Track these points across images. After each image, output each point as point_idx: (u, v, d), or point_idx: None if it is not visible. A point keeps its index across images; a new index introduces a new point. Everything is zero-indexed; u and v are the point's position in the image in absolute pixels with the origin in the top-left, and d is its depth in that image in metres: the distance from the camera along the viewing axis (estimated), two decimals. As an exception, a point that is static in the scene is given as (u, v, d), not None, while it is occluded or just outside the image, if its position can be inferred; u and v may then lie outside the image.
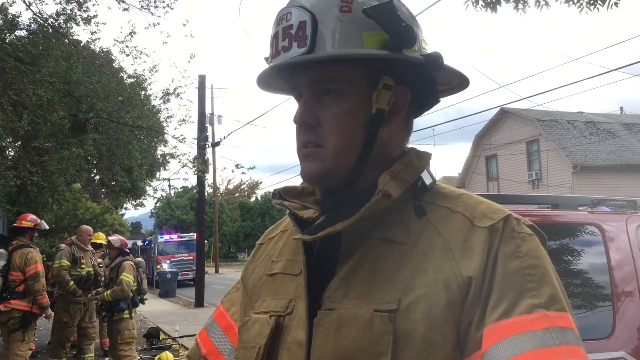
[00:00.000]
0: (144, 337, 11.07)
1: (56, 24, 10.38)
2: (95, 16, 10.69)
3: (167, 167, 16.79)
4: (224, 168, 65.96)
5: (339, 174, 1.04)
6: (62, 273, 8.09)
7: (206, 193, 21.69)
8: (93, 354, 8.93)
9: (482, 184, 30.29)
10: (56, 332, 8.54)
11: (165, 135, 14.38)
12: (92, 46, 11.76)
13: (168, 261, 28.58)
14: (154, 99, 13.94)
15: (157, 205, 54.26)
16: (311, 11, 1.00)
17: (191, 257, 27.32)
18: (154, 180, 18.25)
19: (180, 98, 13.45)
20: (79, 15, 10.46)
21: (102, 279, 8.66)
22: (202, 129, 18.26)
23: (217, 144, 23.56)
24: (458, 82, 1.14)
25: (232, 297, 1.31)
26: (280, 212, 52.22)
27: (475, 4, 6.27)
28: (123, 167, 13.45)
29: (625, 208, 3.40)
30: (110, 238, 8.57)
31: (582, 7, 6.08)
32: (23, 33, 10.65)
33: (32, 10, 10.08)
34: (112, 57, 12.52)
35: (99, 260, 9.24)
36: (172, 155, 14.82)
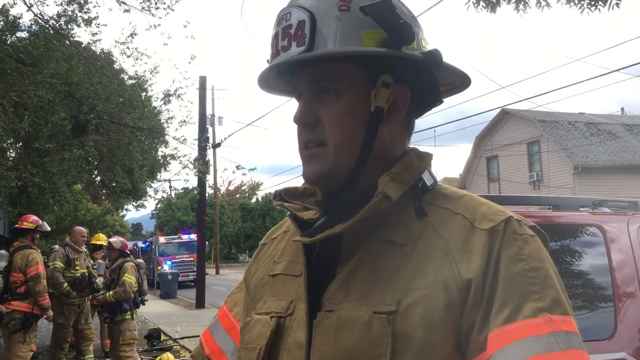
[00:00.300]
0: (144, 338, 11.07)
1: (57, 25, 10.40)
2: (96, 17, 10.74)
3: (167, 169, 16.85)
4: (225, 169, 66.25)
5: (340, 174, 1.04)
6: (55, 275, 8.08)
7: (207, 194, 21.69)
8: (92, 355, 8.93)
9: (483, 185, 30.29)
10: (54, 334, 8.56)
11: (166, 137, 14.41)
12: (93, 47, 11.79)
13: (169, 262, 28.58)
14: (155, 100, 13.98)
15: (158, 206, 54.30)
16: (310, 10, 1.01)
17: (192, 259, 27.32)
18: (154, 181, 18.31)
19: (181, 99, 13.48)
20: (80, 16, 10.49)
21: (96, 280, 8.67)
22: (202, 130, 18.26)
23: (218, 145, 23.56)
24: (460, 81, 1.14)
25: (236, 297, 1.31)
26: (281, 213, 52.22)
27: (476, 5, 6.27)
28: (124, 168, 13.47)
29: (627, 209, 3.40)
30: (110, 239, 8.58)
31: (583, 7, 6.08)
32: (24, 34, 10.68)
33: (33, 12, 10.10)
34: (113, 58, 12.56)
35: (101, 260, 9.25)
36: (172, 157, 14.84)
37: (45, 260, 8.07)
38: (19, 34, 10.48)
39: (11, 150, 11.78)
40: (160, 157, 15.83)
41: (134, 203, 17.92)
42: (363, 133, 1.03)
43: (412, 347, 0.90)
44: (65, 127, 10.21)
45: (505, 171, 29.14)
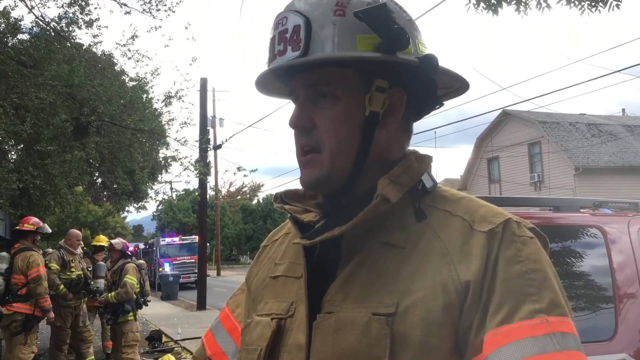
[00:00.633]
0: (146, 340, 11.07)
1: (58, 27, 10.41)
2: (97, 19, 10.74)
3: (169, 170, 16.85)
4: (226, 171, 66.26)
5: (336, 179, 1.04)
6: (51, 277, 8.08)
7: (208, 196, 21.69)
8: (93, 357, 8.94)
9: (484, 186, 30.28)
10: (52, 336, 8.56)
11: (167, 138, 14.43)
12: (94, 49, 11.80)
13: (170, 264, 28.58)
14: (156, 102, 14.00)
15: (159, 208, 54.31)
16: (306, 15, 1.01)
17: (193, 260, 27.31)
18: (155, 183, 18.31)
19: (182, 101, 13.49)
20: (81, 18, 10.50)
21: (91, 281, 8.68)
22: (203, 131, 18.28)
23: (219, 146, 23.59)
24: (458, 85, 1.14)
25: (238, 298, 1.32)
26: (282, 214, 52.17)
27: (476, 6, 6.27)
28: (125, 170, 13.48)
29: (627, 210, 3.40)
30: (112, 241, 8.58)
31: (583, 8, 6.08)
32: (25, 36, 10.71)
33: (34, 14, 10.13)
34: (114, 60, 12.57)
35: (102, 262, 9.24)
36: (173, 158, 14.85)
37: (46, 262, 8.08)
38: (20, 36, 10.52)
39: (12, 152, 11.80)
40: (161, 159, 15.85)
41: (135, 205, 17.95)
42: (359, 137, 1.03)
43: (410, 348, 0.90)
44: (66, 129, 10.23)
45: (506, 172, 29.12)
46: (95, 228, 29.71)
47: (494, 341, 0.88)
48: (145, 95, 13.51)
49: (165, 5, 11.12)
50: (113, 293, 7.68)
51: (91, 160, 12.27)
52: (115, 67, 12.56)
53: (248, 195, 57.84)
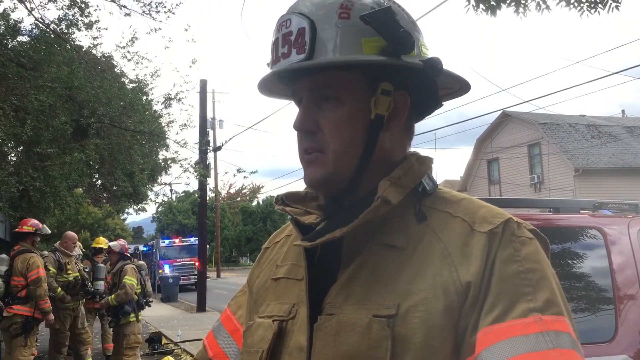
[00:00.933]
0: (146, 342, 11.06)
1: (58, 29, 10.41)
2: (97, 21, 10.73)
3: (168, 172, 16.82)
4: (226, 172, 66.17)
5: (340, 180, 1.04)
6: (48, 280, 8.08)
7: (208, 197, 21.69)
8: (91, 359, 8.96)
9: (484, 188, 30.27)
10: (51, 338, 8.56)
11: (167, 140, 14.42)
12: (94, 51, 11.79)
13: (170, 266, 28.56)
14: (156, 104, 13.98)
15: (159, 209, 54.24)
16: (310, 18, 1.01)
17: (193, 262, 27.30)
18: (155, 184, 18.26)
19: (182, 103, 13.50)
20: (81, 20, 10.49)
21: (88, 283, 8.69)
22: (203, 133, 18.29)
23: (219, 148, 23.61)
24: (459, 86, 1.14)
25: (239, 300, 1.32)
26: (282, 216, 52.20)
27: (475, 8, 6.27)
28: (125, 171, 13.46)
29: (627, 211, 3.40)
30: (110, 243, 8.58)
31: (582, 10, 6.08)
32: (25, 38, 10.69)
33: (34, 16, 10.13)
34: (114, 62, 12.56)
35: (102, 264, 9.24)
36: (173, 160, 14.85)
37: (46, 263, 8.08)
38: (20, 38, 10.49)
39: (12, 155, 11.80)
40: (161, 161, 15.84)
41: (134, 206, 17.90)
42: (363, 140, 1.03)
43: (411, 350, 0.90)
44: (66, 131, 10.22)
45: (506, 174, 29.12)
46: (95, 230, 29.70)
47: (486, 339, 0.88)
48: (145, 97, 13.50)
49: (165, 7, 11.13)
50: (113, 295, 7.68)
51: (91, 162, 12.25)
52: (115, 69, 12.56)
53: (248, 197, 57.81)
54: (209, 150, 19.35)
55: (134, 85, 12.93)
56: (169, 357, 9.40)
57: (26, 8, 9.91)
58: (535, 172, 27.34)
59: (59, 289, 8.25)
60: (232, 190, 57.86)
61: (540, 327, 0.87)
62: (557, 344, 0.86)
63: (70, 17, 10.44)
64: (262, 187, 58.23)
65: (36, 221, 7.85)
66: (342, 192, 1.07)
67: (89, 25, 10.59)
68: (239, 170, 28.59)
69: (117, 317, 7.70)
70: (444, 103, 1.16)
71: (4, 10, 9.73)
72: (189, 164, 14.92)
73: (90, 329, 9.38)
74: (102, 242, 9.92)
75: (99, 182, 16.78)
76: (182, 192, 54.48)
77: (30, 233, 7.60)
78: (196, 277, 21.82)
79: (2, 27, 9.47)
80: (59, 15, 10.42)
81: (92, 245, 10.10)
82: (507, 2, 6.18)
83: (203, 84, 19.06)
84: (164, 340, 11.72)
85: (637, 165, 26.10)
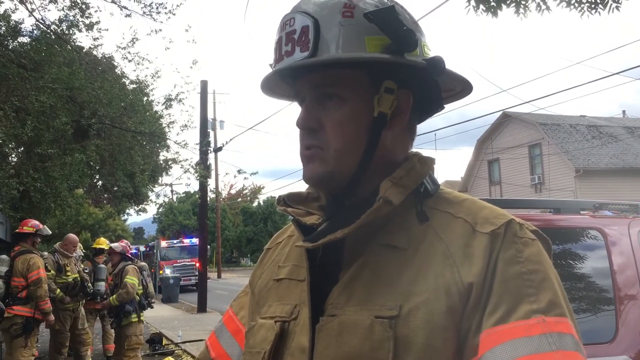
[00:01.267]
0: (146, 343, 11.06)
1: (59, 30, 10.42)
2: (97, 22, 10.75)
3: (169, 173, 16.84)
4: (226, 173, 66.24)
5: (340, 177, 1.04)
6: (48, 282, 8.09)
7: (208, 198, 21.69)
8: None
9: (484, 188, 30.26)
10: (51, 339, 8.57)
11: (168, 141, 14.43)
12: (95, 52, 11.81)
13: (171, 266, 28.56)
14: (156, 105, 13.98)
15: (160, 210, 54.26)
16: (314, 16, 1.01)
17: (194, 263, 27.30)
18: (156, 185, 18.30)
19: (183, 104, 13.51)
20: (82, 21, 10.51)
21: (88, 284, 8.69)
22: (204, 134, 18.28)
23: (219, 149, 23.61)
24: (461, 88, 1.14)
25: (241, 301, 1.32)
26: (282, 216, 52.19)
27: (476, 8, 6.27)
28: (125, 172, 13.47)
29: (628, 212, 3.39)
30: (112, 244, 8.58)
31: (583, 10, 6.09)
32: (26, 39, 10.70)
33: (34, 17, 10.15)
34: (115, 63, 12.58)
35: (102, 265, 9.24)
36: (174, 161, 14.85)
37: (46, 264, 8.08)
38: (20, 39, 10.51)
39: (13, 155, 11.81)
40: (161, 162, 15.84)
41: (135, 207, 17.92)
42: (366, 139, 1.04)
43: (413, 351, 0.90)
44: (66, 131, 10.23)
45: (506, 174, 29.11)
46: (96, 231, 29.71)
47: (489, 340, 0.88)
48: (145, 98, 13.50)
49: (166, 8, 11.15)
50: (114, 296, 7.68)
51: (92, 163, 12.26)
52: (116, 70, 12.57)
53: (248, 198, 57.80)
54: (209, 151, 19.34)
55: (134, 86, 12.93)
56: (170, 357, 9.41)
57: (27, 9, 9.93)
58: (536, 173, 27.32)
59: (58, 290, 8.26)
60: (233, 191, 57.88)
61: (543, 329, 0.87)
62: (561, 345, 0.86)
63: (71, 18, 10.47)
64: (263, 187, 58.25)
65: (37, 222, 7.85)
66: (342, 190, 1.06)
67: (89, 26, 10.60)
68: (239, 172, 28.56)
69: (119, 317, 7.70)
70: (445, 106, 1.17)
71: (5, 11, 9.75)
72: (189, 164, 14.93)
73: (90, 329, 9.38)
74: (102, 243, 9.92)
75: (100, 182, 16.80)
76: (182, 193, 54.63)
77: (30, 234, 7.60)
78: (197, 277, 21.82)
79: (3, 28, 9.48)
80: (59, 16, 10.45)
81: (93, 246, 10.11)
82: (508, 2, 6.18)
83: (204, 85, 19.07)
84: (164, 341, 11.72)
85: (638, 165, 26.09)
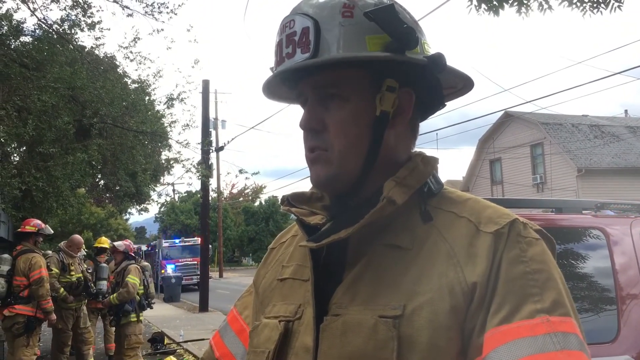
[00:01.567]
0: (148, 342, 11.07)
1: (61, 29, 10.43)
2: (99, 22, 10.76)
3: (171, 172, 16.87)
4: (228, 173, 66.23)
5: (346, 178, 1.04)
6: (51, 281, 8.10)
7: (210, 198, 21.70)
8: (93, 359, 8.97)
9: (486, 188, 30.24)
10: (54, 338, 8.58)
11: (169, 140, 14.44)
12: (97, 52, 11.81)
13: (172, 266, 28.59)
14: (158, 104, 13.99)
15: (162, 210, 54.31)
16: (314, 17, 1.01)
17: (195, 262, 27.32)
18: (158, 185, 18.30)
19: (184, 103, 13.51)
20: (84, 21, 10.52)
21: (91, 284, 8.71)
22: (205, 133, 18.30)
23: (221, 148, 23.61)
24: (463, 84, 1.14)
25: (245, 300, 1.32)
26: (284, 216, 52.23)
27: (477, 8, 6.27)
28: (127, 172, 13.49)
29: (630, 212, 3.39)
30: (115, 243, 8.59)
31: (585, 10, 6.08)
32: (28, 39, 10.72)
33: (36, 17, 10.15)
34: (117, 62, 12.58)
35: (104, 264, 9.25)
36: (176, 160, 14.85)
37: (49, 264, 8.09)
38: (22, 39, 10.52)
39: (15, 155, 11.82)
40: (163, 161, 15.85)
41: (137, 207, 17.94)
42: (369, 138, 1.03)
43: (417, 351, 0.90)
44: (68, 131, 10.24)
45: (508, 174, 29.09)
46: (98, 230, 29.74)
47: (493, 340, 0.88)
48: (147, 98, 13.51)
49: (168, 7, 11.16)
50: (115, 294, 7.69)
51: (93, 162, 12.26)
52: (118, 70, 12.57)
53: (250, 197, 57.81)
54: (211, 151, 19.37)
55: (136, 85, 12.95)
56: (172, 357, 9.41)
57: (29, 8, 9.94)
58: (538, 172, 27.31)
59: (62, 289, 8.28)
60: (235, 191, 57.89)
61: (547, 329, 0.87)
62: (565, 345, 0.86)
63: (73, 17, 10.48)
64: (265, 187, 58.31)
65: (39, 221, 7.86)
66: (348, 191, 1.06)
67: (91, 26, 10.61)
68: (241, 171, 28.58)
69: (118, 316, 7.71)
70: (447, 103, 1.16)
71: (7, 10, 9.76)
72: (191, 164, 14.94)
73: (92, 328, 9.40)
74: (104, 242, 9.94)
75: (102, 182, 16.82)
76: (184, 192, 54.68)
77: (32, 233, 7.61)
78: (198, 277, 21.84)
79: (5, 28, 9.48)
80: (61, 16, 10.49)
81: (94, 245, 10.12)
82: (510, 1, 6.17)
83: (205, 84, 19.08)
84: (166, 340, 11.73)
85: (640, 165, 26.06)
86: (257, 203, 57.73)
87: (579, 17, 6.10)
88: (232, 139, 39.03)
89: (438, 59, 1.03)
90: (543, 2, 6.18)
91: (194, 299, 20.82)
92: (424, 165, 1.07)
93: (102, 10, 14.60)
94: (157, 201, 20.02)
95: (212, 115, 23.83)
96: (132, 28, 34.41)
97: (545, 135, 26.64)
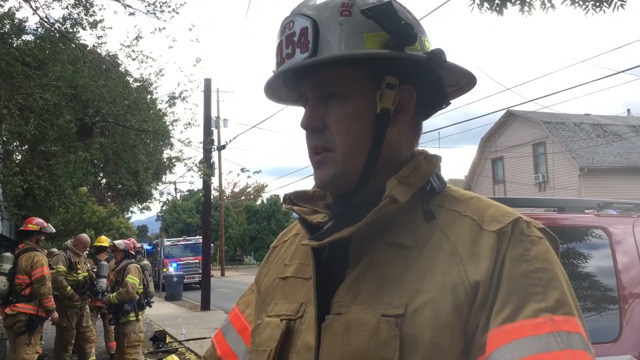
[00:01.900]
0: (150, 341, 11.09)
1: (63, 28, 10.44)
2: (101, 20, 10.76)
3: (173, 171, 16.86)
4: (230, 171, 66.08)
5: (350, 178, 1.04)
6: (59, 279, 8.13)
7: (212, 196, 21.72)
8: (95, 358, 8.98)
9: (488, 187, 30.23)
10: (57, 336, 8.60)
11: (171, 139, 14.44)
12: (99, 50, 11.83)
13: (174, 264, 28.63)
14: (160, 103, 14.01)
15: (163, 208, 54.38)
16: (312, 18, 1.02)
17: (197, 261, 27.35)
18: (160, 183, 18.32)
19: (186, 102, 13.50)
20: (86, 19, 10.53)
21: (97, 282, 8.73)
22: (207, 132, 18.31)
23: (223, 147, 23.61)
24: (465, 81, 1.14)
25: (248, 299, 1.32)
26: (286, 215, 52.24)
27: (480, 7, 6.26)
28: (129, 170, 13.50)
29: (632, 211, 3.39)
30: (115, 241, 8.61)
31: (587, 9, 6.07)
32: (30, 38, 10.73)
33: (38, 15, 10.17)
34: (118, 61, 12.60)
35: (104, 262, 9.27)
36: (178, 159, 14.86)
37: (51, 263, 8.11)
38: (24, 37, 10.54)
39: (17, 153, 11.84)
40: (165, 160, 15.86)
41: (139, 205, 17.95)
42: (370, 135, 1.03)
43: (420, 350, 0.90)
44: (70, 129, 10.25)
45: (510, 173, 29.08)
46: (100, 228, 29.75)
47: (497, 339, 0.88)
48: (149, 96, 13.52)
49: (169, 6, 11.15)
50: (114, 293, 7.70)
51: (95, 161, 12.28)
52: (120, 68, 12.59)
53: (252, 196, 57.85)
54: (213, 149, 19.37)
55: (138, 84, 12.96)
56: (173, 355, 9.42)
57: (31, 7, 9.95)
58: (540, 172, 27.29)
59: (69, 287, 8.29)
60: (237, 189, 57.94)
61: (551, 328, 0.87)
62: (569, 344, 0.86)
63: (75, 16, 10.49)
64: (267, 186, 58.37)
65: (41, 220, 7.87)
66: (351, 190, 1.06)
67: (93, 24, 10.62)
68: (243, 170, 28.63)
69: (117, 315, 7.72)
70: (451, 101, 1.16)
71: (9, 9, 9.77)
72: (193, 162, 14.95)
73: (93, 327, 9.42)
74: (104, 241, 9.96)
75: (104, 180, 16.82)
76: (186, 191, 54.73)
77: (34, 231, 7.62)
78: (200, 275, 21.84)
79: (7, 26, 9.49)
80: (63, 14, 10.50)
81: (94, 244, 10.14)
82: (513, 0, 6.16)
83: (207, 83, 19.09)
84: (168, 339, 11.75)
85: (642, 164, 26.03)
86: (259, 202, 57.78)
87: (581, 16, 6.08)
88: (234, 138, 39.14)
89: (437, 54, 1.03)
90: (546, 1, 6.17)
91: (196, 298, 20.84)
92: (426, 163, 1.07)
93: (104, 9, 14.65)
94: (159, 200, 20.06)
95: (214, 113, 23.84)
96: (134, 27, 34.45)
97: (547, 134, 26.62)
